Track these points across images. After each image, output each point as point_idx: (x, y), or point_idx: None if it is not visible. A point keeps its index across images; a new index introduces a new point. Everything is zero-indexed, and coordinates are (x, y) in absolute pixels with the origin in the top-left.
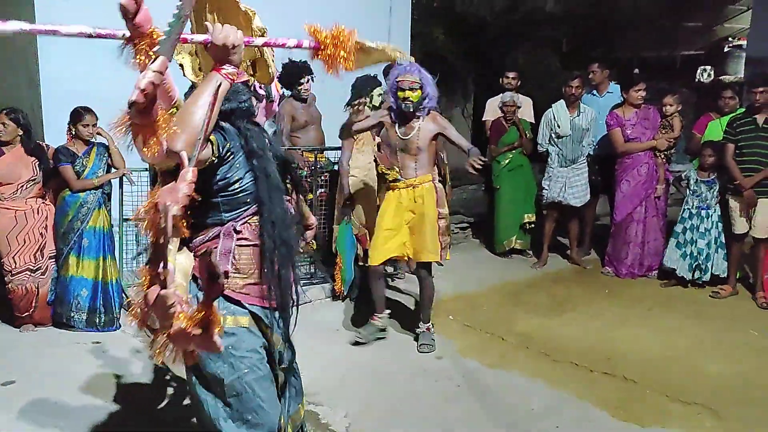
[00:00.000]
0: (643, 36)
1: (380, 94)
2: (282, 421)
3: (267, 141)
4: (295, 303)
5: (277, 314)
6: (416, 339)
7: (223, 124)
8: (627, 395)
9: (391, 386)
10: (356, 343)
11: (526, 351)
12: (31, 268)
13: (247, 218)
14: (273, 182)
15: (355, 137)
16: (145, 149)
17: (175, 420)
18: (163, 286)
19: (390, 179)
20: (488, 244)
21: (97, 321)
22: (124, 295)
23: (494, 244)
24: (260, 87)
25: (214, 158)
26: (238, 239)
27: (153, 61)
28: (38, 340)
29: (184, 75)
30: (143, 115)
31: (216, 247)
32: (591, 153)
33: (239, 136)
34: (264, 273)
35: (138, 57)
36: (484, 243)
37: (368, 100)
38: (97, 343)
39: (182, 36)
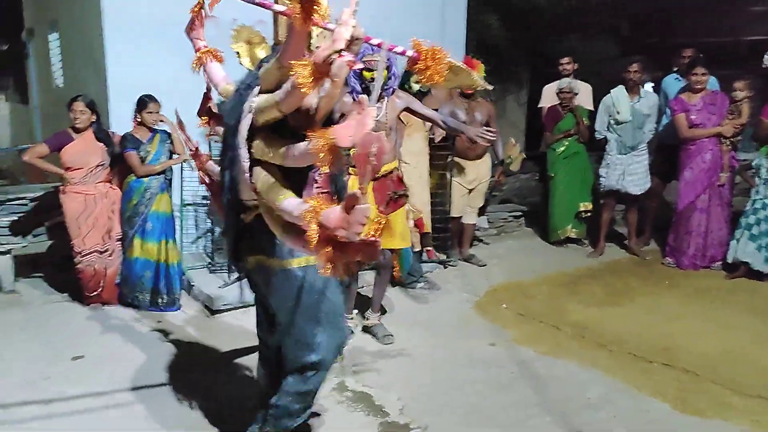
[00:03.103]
0: (705, 21)
1: (417, 81)
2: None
3: None
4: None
5: None
6: (365, 329)
7: None
8: (686, 387)
9: (444, 372)
10: (387, 343)
11: (581, 341)
12: (99, 249)
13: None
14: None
15: (405, 123)
16: (305, 86)
17: (228, 399)
18: (353, 204)
19: None
20: (542, 233)
21: (160, 301)
22: (184, 277)
23: (549, 232)
24: None
25: None
26: (315, 188)
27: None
28: (105, 318)
29: (240, 63)
30: (326, 66)
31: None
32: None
33: None
34: None
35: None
36: (538, 232)
37: (408, 87)
38: (159, 322)
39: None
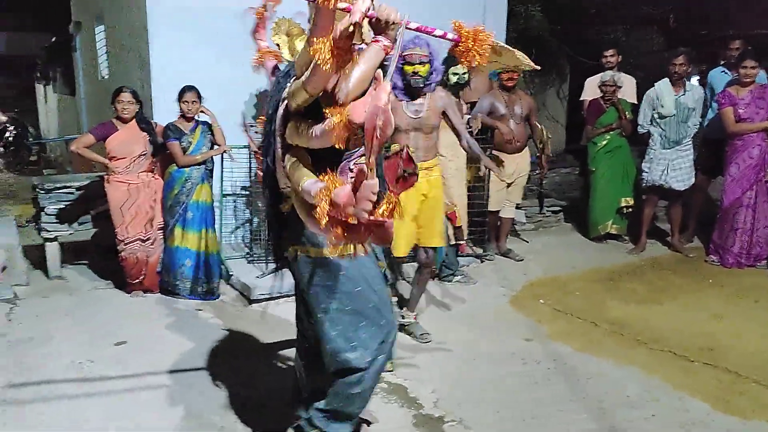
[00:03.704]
0: (755, 12)
1: (455, 74)
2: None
3: None
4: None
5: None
6: (401, 328)
7: None
8: (728, 387)
9: (479, 366)
10: (427, 342)
11: (620, 338)
12: (142, 238)
13: (357, 159)
14: None
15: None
16: (325, 63)
17: (266, 389)
18: (361, 180)
19: None
20: (582, 228)
21: (199, 290)
22: (223, 266)
23: (588, 228)
24: None
25: None
26: (350, 177)
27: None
28: (147, 305)
29: (281, 54)
30: (348, 38)
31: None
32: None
33: None
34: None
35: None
36: (577, 227)
37: (445, 79)
38: (199, 310)
39: (348, 5)
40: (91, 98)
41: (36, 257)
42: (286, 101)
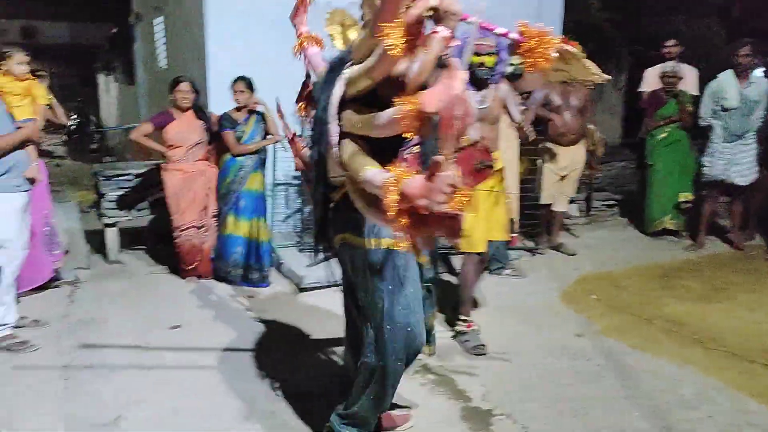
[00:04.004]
0: None
1: (511, 64)
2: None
3: None
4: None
5: None
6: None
7: None
8: None
9: (528, 361)
10: (479, 354)
11: (675, 336)
12: (197, 225)
13: (411, 148)
14: None
15: None
16: (396, 48)
17: (315, 379)
18: (436, 172)
19: None
20: (638, 222)
21: (251, 277)
22: (274, 255)
23: (645, 223)
24: None
25: None
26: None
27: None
28: (200, 291)
29: (334, 45)
30: (420, 23)
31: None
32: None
33: None
34: None
35: None
36: (632, 222)
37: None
38: (250, 297)
39: None
40: (150, 88)
41: (96, 242)
42: (342, 86)
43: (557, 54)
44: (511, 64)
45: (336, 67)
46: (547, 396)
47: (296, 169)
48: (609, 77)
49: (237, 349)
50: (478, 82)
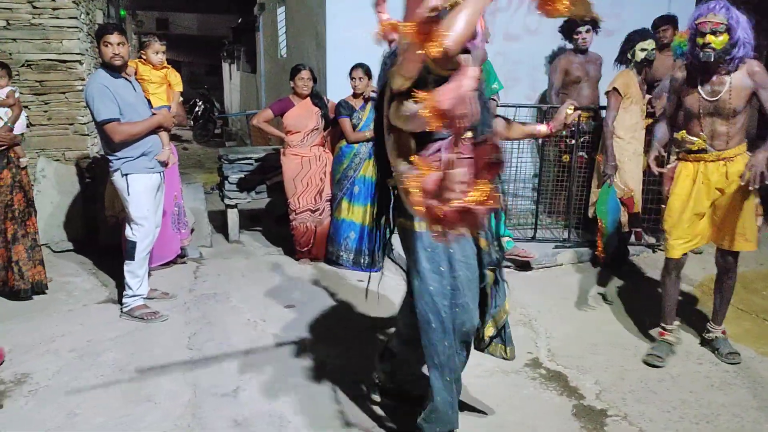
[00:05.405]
0: None
1: (643, 49)
2: (484, 317)
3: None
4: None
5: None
6: (705, 343)
7: None
8: None
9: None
10: (653, 365)
11: None
12: (311, 208)
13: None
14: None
15: (622, 95)
16: (420, 51)
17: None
18: (447, 170)
19: (694, 149)
20: None
21: (362, 261)
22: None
23: None
24: None
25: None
26: (456, 152)
27: None
28: (313, 273)
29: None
30: (431, 23)
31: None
32: None
33: None
34: None
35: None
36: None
37: (630, 55)
38: (360, 281)
39: None
40: (270, 76)
41: (218, 222)
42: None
43: None
44: (643, 50)
45: (388, 60)
46: (668, 400)
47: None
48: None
49: (347, 334)
50: (706, 66)
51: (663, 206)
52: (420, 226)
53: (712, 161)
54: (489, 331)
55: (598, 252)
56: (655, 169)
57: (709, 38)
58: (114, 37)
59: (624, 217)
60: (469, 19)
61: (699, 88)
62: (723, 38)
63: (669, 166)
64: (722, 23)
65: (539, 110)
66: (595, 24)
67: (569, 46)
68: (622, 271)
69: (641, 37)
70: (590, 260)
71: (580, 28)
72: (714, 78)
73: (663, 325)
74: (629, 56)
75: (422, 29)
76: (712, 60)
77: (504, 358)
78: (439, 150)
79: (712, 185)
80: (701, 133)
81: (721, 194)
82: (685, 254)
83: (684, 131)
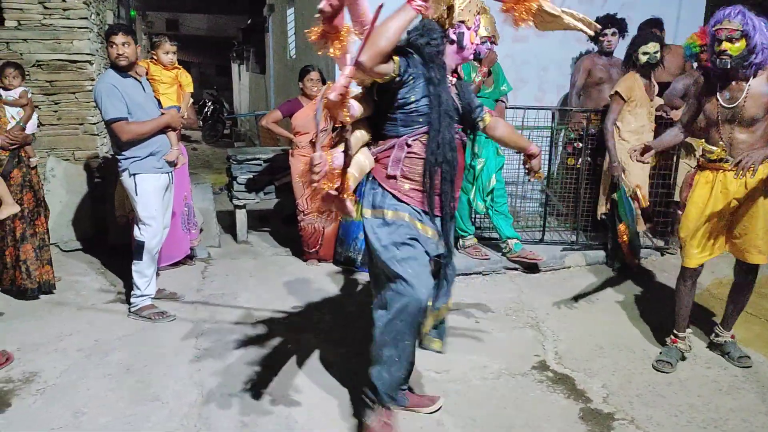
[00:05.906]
0: None
1: (645, 53)
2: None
3: (444, 76)
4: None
5: (438, 220)
6: (713, 347)
7: (412, 53)
8: None
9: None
10: (662, 371)
11: None
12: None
13: (418, 136)
14: (444, 108)
15: (627, 99)
16: (330, 51)
17: (428, 364)
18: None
19: (713, 158)
20: None
21: None
22: None
23: None
24: (453, 32)
25: (394, 75)
26: (408, 152)
27: None
28: (321, 274)
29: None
30: (328, 22)
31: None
32: None
33: (423, 66)
34: (424, 182)
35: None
36: None
37: (634, 59)
38: (369, 282)
39: None
40: (279, 76)
41: (226, 222)
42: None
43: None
44: (645, 53)
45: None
46: (676, 404)
47: None
48: (598, 27)
49: (357, 336)
50: (721, 74)
51: (671, 210)
52: (366, 212)
53: (731, 170)
54: (428, 325)
55: (627, 259)
56: (633, 155)
57: (725, 45)
58: (119, 38)
59: (637, 213)
60: (387, 35)
61: (718, 94)
62: (739, 45)
63: (688, 173)
64: (738, 29)
65: (552, 113)
66: (621, 28)
67: (594, 48)
68: (631, 274)
69: (642, 41)
70: (609, 264)
71: (606, 31)
72: (733, 84)
73: (675, 332)
74: (633, 60)
75: (323, 34)
76: (729, 67)
77: (437, 352)
78: (393, 146)
79: (730, 195)
80: (720, 142)
81: (739, 205)
82: (701, 264)
83: (703, 140)
